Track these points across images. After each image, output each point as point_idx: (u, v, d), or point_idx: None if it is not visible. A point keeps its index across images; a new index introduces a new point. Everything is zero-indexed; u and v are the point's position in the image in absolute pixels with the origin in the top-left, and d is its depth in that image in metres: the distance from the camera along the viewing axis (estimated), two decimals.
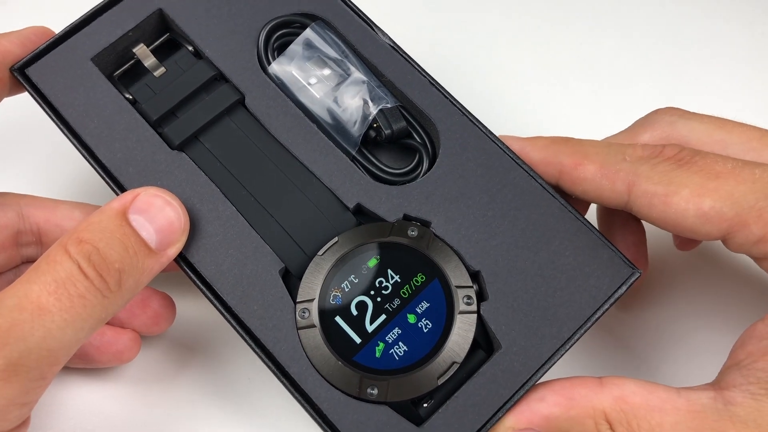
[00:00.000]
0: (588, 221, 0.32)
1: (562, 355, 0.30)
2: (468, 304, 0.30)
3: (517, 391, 0.29)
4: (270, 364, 0.30)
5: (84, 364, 0.35)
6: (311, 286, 0.31)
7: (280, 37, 0.36)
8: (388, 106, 0.34)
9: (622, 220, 0.36)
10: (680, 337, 0.37)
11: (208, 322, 0.37)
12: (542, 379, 0.30)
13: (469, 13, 0.48)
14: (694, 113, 0.33)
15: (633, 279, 0.31)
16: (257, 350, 0.30)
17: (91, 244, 0.28)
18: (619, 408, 0.27)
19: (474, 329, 0.30)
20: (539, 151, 0.32)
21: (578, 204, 0.34)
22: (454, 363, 0.30)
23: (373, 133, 0.34)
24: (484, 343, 0.31)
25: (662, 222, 0.30)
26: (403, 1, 0.48)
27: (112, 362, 0.34)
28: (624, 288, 0.31)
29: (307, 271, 0.31)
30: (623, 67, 0.46)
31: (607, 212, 0.36)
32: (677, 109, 0.33)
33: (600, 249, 0.31)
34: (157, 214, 0.29)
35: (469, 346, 0.30)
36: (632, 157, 0.30)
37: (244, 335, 0.30)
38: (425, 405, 0.30)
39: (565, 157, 0.31)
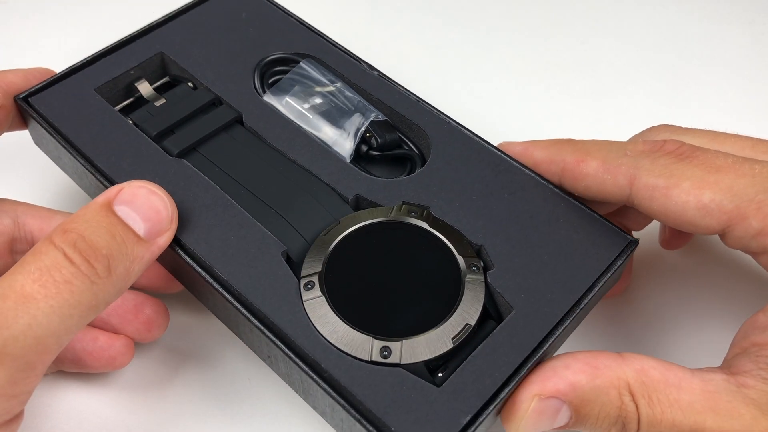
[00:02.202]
0: (580, 200, 0.33)
1: (572, 318, 0.29)
2: (474, 271, 0.30)
3: (534, 349, 0.28)
4: (276, 341, 0.28)
5: (77, 368, 0.32)
6: (315, 261, 0.30)
7: (274, 73, 0.38)
8: (380, 118, 0.36)
9: None
10: (681, 328, 0.36)
11: (208, 323, 0.35)
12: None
13: (468, 14, 0.50)
14: (687, 128, 0.34)
15: (632, 247, 0.32)
16: (262, 328, 0.29)
17: (76, 232, 0.27)
18: (641, 380, 0.27)
19: (483, 292, 0.30)
20: (542, 151, 0.33)
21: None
22: (467, 325, 0.29)
23: (365, 147, 0.36)
24: (494, 314, 0.30)
25: (663, 214, 0.30)
26: (397, 3, 0.50)
27: (105, 368, 0.32)
28: (625, 255, 0.31)
29: (310, 250, 0.31)
30: (623, 68, 0.46)
31: None
32: (671, 125, 0.35)
33: (596, 222, 0.32)
34: (143, 204, 0.29)
35: (480, 308, 0.29)
36: (634, 152, 0.31)
37: (249, 315, 0.29)
38: (440, 374, 0.28)
39: (567, 154, 0.32)
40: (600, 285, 0.30)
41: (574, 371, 0.27)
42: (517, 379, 0.28)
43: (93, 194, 0.36)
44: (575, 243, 0.32)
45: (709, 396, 0.26)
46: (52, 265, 0.26)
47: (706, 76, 0.48)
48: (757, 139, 0.33)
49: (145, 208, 0.29)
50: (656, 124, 0.35)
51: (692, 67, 0.48)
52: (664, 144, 0.31)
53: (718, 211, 0.28)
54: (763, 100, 0.46)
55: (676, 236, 0.37)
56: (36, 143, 0.38)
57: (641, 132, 0.36)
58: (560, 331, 0.29)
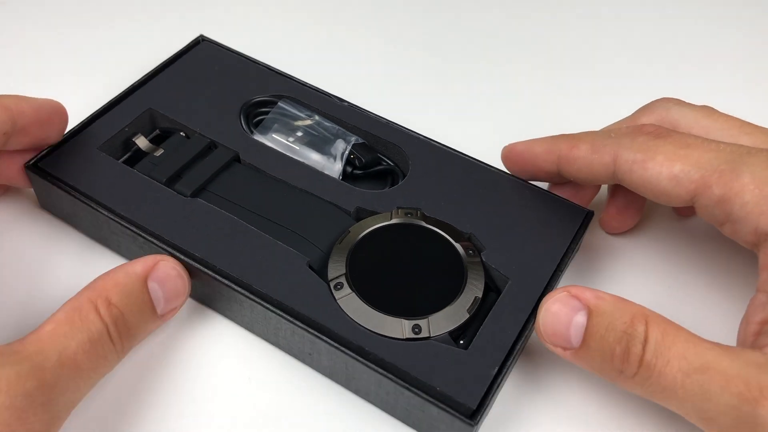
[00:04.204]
0: (539, 187, 0.40)
1: (558, 280, 0.36)
2: (471, 255, 0.36)
3: (534, 308, 0.34)
4: (322, 336, 0.33)
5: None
6: (338, 265, 0.35)
7: (257, 114, 0.43)
8: (359, 141, 0.42)
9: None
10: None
11: (207, 323, 0.37)
12: None
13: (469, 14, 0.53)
14: (688, 103, 0.37)
15: (590, 217, 0.39)
16: (307, 328, 0.33)
17: (118, 308, 0.31)
18: (661, 319, 0.28)
19: (483, 270, 0.35)
20: (542, 145, 0.38)
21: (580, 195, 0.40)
22: (476, 297, 0.34)
23: (349, 168, 0.41)
24: (493, 287, 0.36)
25: (641, 185, 0.33)
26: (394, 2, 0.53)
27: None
28: (585, 225, 0.38)
29: (331, 257, 0.36)
30: (622, 67, 0.48)
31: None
32: (674, 99, 0.38)
33: (557, 201, 0.39)
34: (170, 287, 0.34)
35: (483, 284, 0.35)
36: (617, 134, 0.35)
37: (292, 319, 0.33)
38: (462, 342, 0.34)
39: (563, 144, 0.37)
40: (573, 251, 0.37)
41: (603, 293, 0.30)
42: (526, 333, 0.33)
43: (111, 244, 0.39)
44: (544, 220, 0.38)
45: (745, 364, 0.27)
46: (98, 339, 0.30)
47: (706, 76, 0.49)
48: (744, 121, 0.36)
49: (170, 291, 0.34)
50: (660, 98, 0.39)
51: (692, 67, 0.49)
52: (643, 126, 0.35)
53: (687, 180, 0.32)
54: (764, 99, 0.48)
55: (621, 212, 0.41)
56: (43, 206, 0.41)
57: (647, 104, 0.39)
58: (553, 286, 0.35)
